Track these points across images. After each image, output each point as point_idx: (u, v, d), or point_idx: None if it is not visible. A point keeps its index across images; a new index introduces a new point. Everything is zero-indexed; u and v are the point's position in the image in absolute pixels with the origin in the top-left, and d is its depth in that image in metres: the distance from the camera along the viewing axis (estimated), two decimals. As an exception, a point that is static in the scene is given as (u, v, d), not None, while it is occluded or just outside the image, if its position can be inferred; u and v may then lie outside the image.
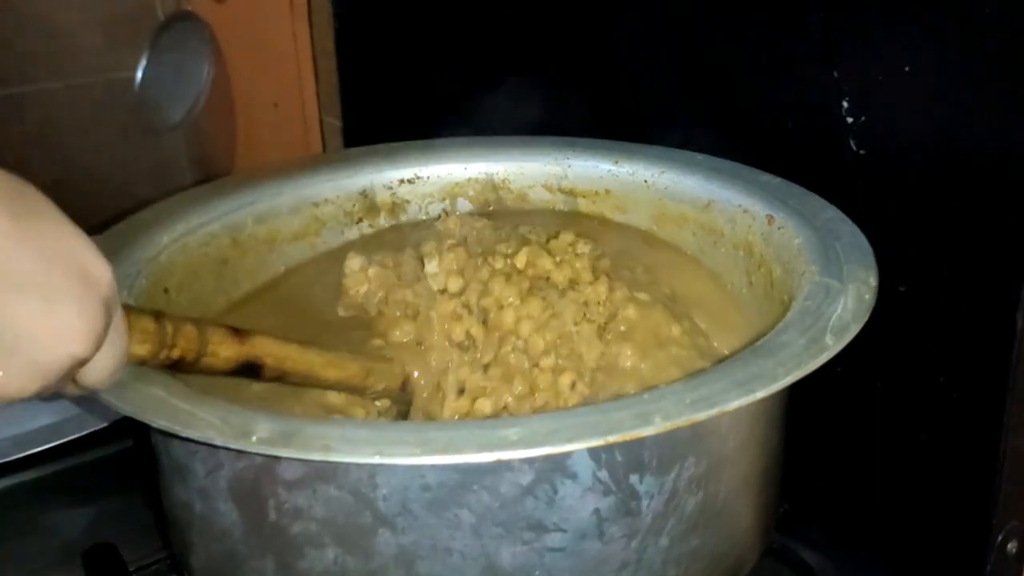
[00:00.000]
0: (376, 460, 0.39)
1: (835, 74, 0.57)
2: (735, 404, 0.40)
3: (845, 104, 0.57)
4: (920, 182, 0.55)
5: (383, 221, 0.67)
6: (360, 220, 0.66)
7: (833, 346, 0.44)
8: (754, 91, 0.63)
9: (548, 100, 0.75)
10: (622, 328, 0.53)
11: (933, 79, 0.53)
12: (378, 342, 0.55)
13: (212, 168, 1.25)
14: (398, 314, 0.56)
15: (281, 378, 0.48)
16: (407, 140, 0.70)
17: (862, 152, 0.57)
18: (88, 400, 0.44)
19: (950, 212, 0.54)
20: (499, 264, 0.55)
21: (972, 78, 0.52)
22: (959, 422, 0.55)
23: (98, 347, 0.39)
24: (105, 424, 0.68)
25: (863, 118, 0.57)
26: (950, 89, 0.53)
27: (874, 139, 0.56)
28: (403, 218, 0.67)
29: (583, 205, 0.66)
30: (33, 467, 0.68)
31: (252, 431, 0.40)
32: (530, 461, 0.42)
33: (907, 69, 0.54)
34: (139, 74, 1.22)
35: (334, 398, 0.52)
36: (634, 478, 0.43)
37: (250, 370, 0.47)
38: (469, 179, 0.67)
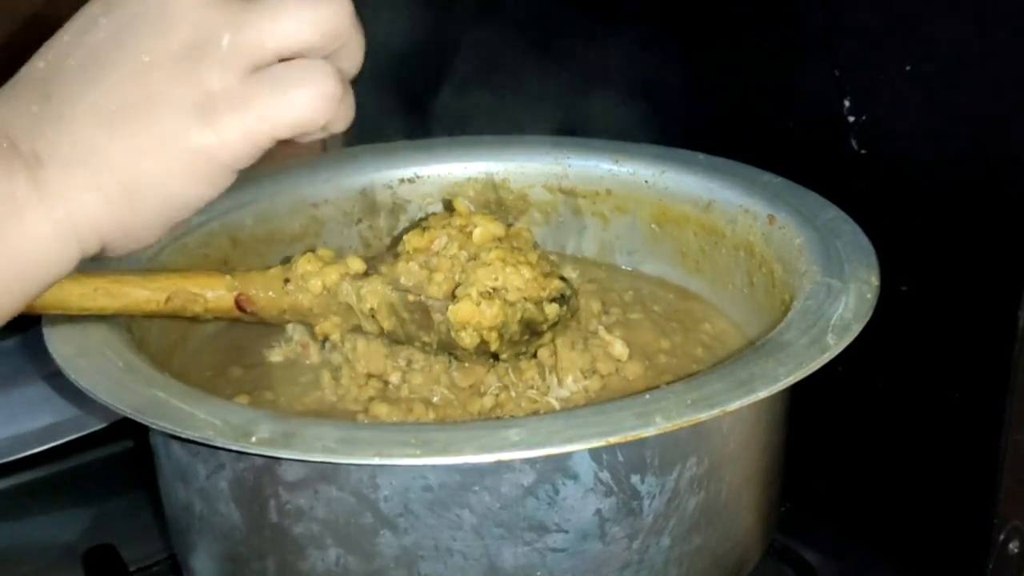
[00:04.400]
0: (376, 461, 0.39)
1: (836, 73, 0.57)
2: (736, 404, 0.40)
3: (846, 103, 0.57)
4: (921, 181, 0.55)
5: (383, 221, 0.67)
6: (360, 220, 0.66)
7: (835, 346, 0.44)
8: (755, 90, 0.63)
9: (547, 99, 0.74)
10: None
11: (934, 78, 0.53)
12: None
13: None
14: None
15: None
16: (407, 140, 0.70)
17: (863, 151, 0.57)
18: (87, 400, 0.44)
19: (951, 211, 0.54)
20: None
21: (973, 76, 0.51)
22: (960, 421, 0.55)
23: None
24: (104, 424, 0.68)
25: (864, 117, 0.56)
26: (951, 88, 0.53)
27: (875, 138, 0.56)
28: (403, 218, 0.67)
29: (583, 205, 0.66)
30: (32, 468, 0.68)
31: (252, 432, 0.40)
32: (531, 462, 0.42)
33: (908, 68, 0.53)
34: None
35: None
36: (635, 478, 0.43)
37: None
38: (469, 179, 0.67)
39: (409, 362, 0.53)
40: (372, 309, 0.51)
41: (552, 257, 0.54)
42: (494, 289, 0.49)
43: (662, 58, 0.68)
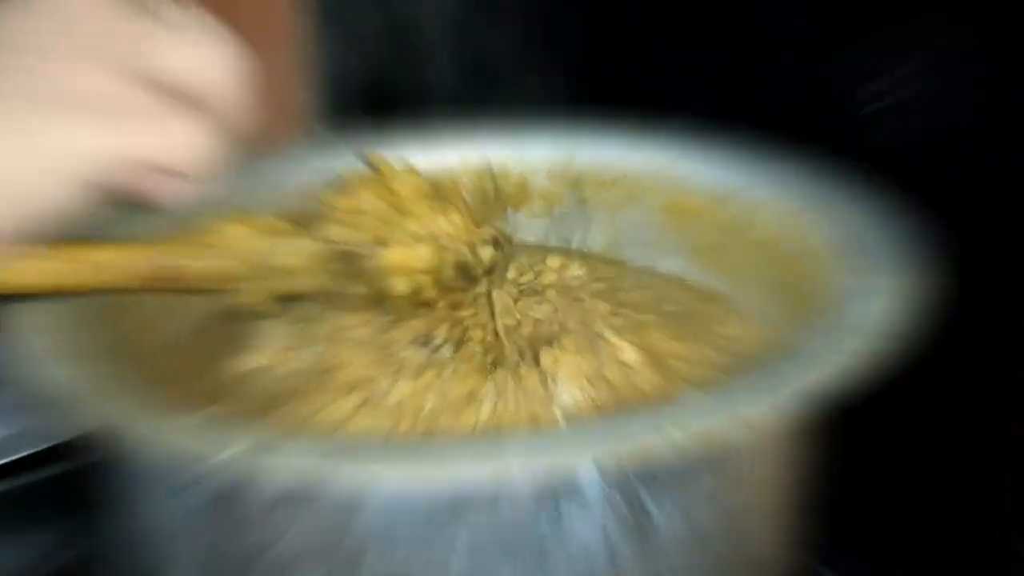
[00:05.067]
0: (364, 476, 0.37)
1: (836, 71, 0.57)
2: (759, 416, 0.39)
3: (846, 102, 0.56)
4: (922, 179, 0.54)
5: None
6: (356, 211, 0.65)
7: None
8: (755, 89, 0.62)
9: (547, 96, 0.75)
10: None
11: (934, 77, 0.53)
12: None
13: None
14: None
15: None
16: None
17: (864, 149, 0.56)
18: (48, 411, 0.42)
19: (954, 209, 0.53)
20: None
21: (974, 75, 0.52)
22: (961, 420, 0.55)
23: None
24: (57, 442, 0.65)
25: (864, 115, 0.56)
26: (951, 87, 0.53)
27: (875, 136, 0.56)
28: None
29: (590, 195, 0.64)
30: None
31: (230, 445, 0.37)
32: (533, 478, 0.39)
33: (908, 66, 0.53)
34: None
35: None
36: (647, 496, 0.41)
37: None
38: (467, 166, 0.64)
39: (398, 369, 0.51)
40: (294, 267, 0.50)
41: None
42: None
43: (670, 47, 0.67)
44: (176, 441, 0.38)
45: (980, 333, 0.54)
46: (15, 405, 0.66)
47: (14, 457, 0.65)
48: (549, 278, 0.58)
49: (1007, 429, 0.54)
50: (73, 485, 0.64)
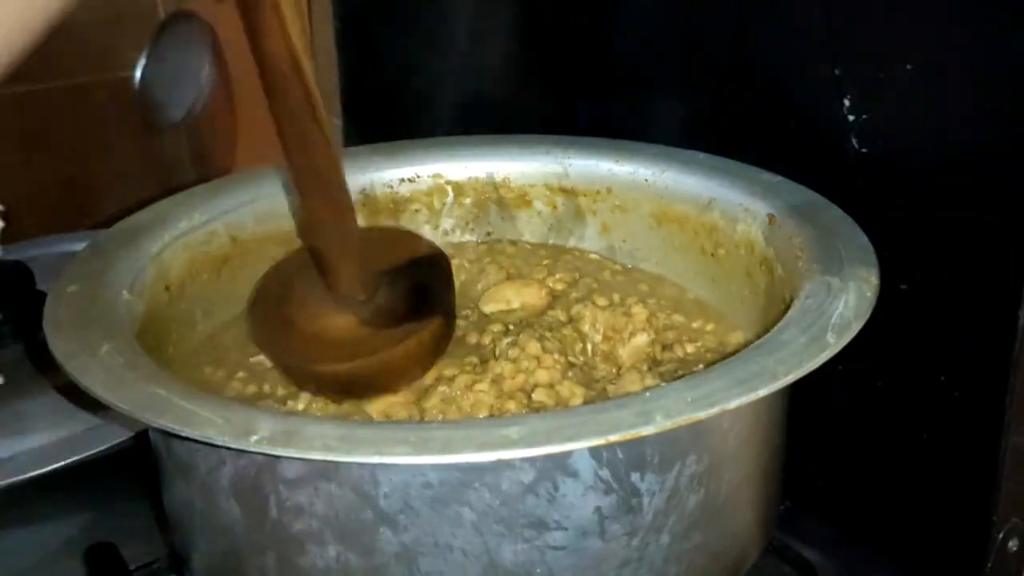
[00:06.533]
0: (376, 460, 0.39)
1: (836, 72, 0.57)
2: (736, 402, 0.40)
3: (846, 102, 0.57)
4: (921, 180, 0.55)
5: (383, 221, 0.67)
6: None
7: (834, 344, 0.44)
8: (755, 89, 0.63)
9: (548, 98, 0.75)
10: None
11: (935, 77, 0.53)
12: None
13: (213, 167, 1.25)
14: None
15: None
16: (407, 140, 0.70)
17: (864, 150, 0.57)
18: (107, 411, 0.43)
19: (951, 210, 0.54)
20: None
21: (974, 76, 0.52)
22: (960, 420, 0.55)
23: None
24: (130, 435, 0.66)
25: (864, 116, 0.56)
26: (952, 87, 0.53)
27: (875, 137, 0.56)
28: (403, 218, 0.67)
29: (584, 204, 0.66)
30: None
31: (253, 430, 0.40)
32: (531, 459, 0.42)
33: (909, 67, 0.53)
34: (139, 73, 1.22)
35: None
36: (635, 476, 0.43)
37: None
38: (469, 178, 0.67)
39: None
40: None
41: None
42: None
43: (662, 55, 0.68)
44: (207, 425, 0.40)
45: (954, 325, 0.54)
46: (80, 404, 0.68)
47: (84, 455, 0.65)
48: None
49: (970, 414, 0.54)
50: (112, 465, 0.66)
